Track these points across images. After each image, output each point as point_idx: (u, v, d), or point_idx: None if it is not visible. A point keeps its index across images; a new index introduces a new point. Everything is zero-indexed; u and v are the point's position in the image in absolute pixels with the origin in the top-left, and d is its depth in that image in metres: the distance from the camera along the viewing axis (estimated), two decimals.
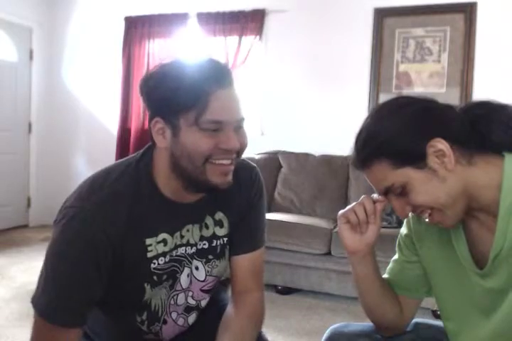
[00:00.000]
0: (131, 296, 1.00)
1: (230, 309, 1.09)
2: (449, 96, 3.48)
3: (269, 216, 3.14)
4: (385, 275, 1.08)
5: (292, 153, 3.66)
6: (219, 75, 0.89)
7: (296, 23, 3.87)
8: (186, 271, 1.04)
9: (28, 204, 4.66)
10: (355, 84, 3.74)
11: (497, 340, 0.86)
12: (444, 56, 3.50)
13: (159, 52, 4.23)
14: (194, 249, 1.04)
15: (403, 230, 1.05)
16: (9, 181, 4.43)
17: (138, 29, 4.26)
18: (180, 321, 1.09)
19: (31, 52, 4.57)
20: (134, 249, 0.94)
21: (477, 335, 0.89)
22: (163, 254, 0.98)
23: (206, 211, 1.04)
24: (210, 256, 1.06)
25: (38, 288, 0.93)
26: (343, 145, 3.64)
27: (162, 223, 0.97)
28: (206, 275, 1.07)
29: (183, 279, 1.04)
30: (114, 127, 4.40)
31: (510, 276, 0.82)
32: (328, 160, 3.52)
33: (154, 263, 0.98)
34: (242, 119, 0.93)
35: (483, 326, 0.88)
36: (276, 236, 2.90)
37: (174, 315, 1.08)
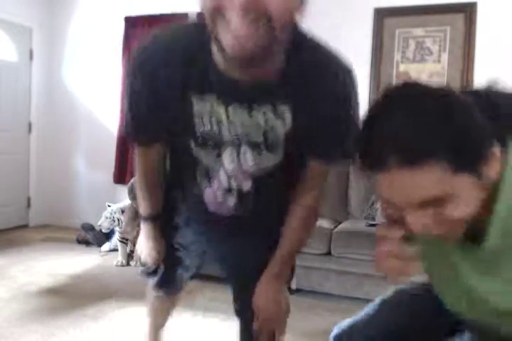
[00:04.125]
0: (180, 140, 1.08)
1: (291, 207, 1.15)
2: None
3: None
4: None
5: None
6: None
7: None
8: (229, 150, 1.03)
9: (28, 204, 4.66)
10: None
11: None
12: (444, 56, 3.50)
13: None
14: (241, 133, 1.00)
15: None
16: (9, 181, 4.43)
17: (138, 29, 4.27)
18: (221, 195, 1.12)
19: (31, 52, 4.57)
20: (183, 98, 0.99)
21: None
22: (205, 114, 1.00)
23: (263, 98, 0.96)
24: (263, 148, 1.02)
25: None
26: None
27: (210, 86, 0.96)
28: (253, 164, 1.05)
29: (227, 160, 1.05)
30: (114, 127, 4.40)
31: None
32: None
33: (196, 121, 1.01)
34: None
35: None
36: None
37: (222, 175, 1.09)
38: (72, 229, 4.27)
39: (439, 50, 3.50)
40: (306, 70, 0.95)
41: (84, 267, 3.33)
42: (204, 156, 1.08)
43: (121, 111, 4.32)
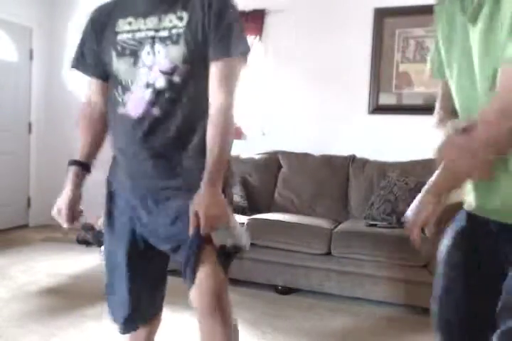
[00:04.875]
0: (107, 65, 1.40)
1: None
2: None
3: (269, 216, 3.14)
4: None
5: (292, 153, 3.66)
6: None
7: (296, 23, 3.87)
8: (147, 49, 1.33)
9: (28, 204, 4.66)
10: (355, 84, 3.74)
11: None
12: None
13: None
14: (153, 33, 1.33)
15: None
16: (9, 181, 4.43)
17: None
18: (140, 92, 1.35)
19: (31, 52, 4.57)
20: (111, 26, 1.38)
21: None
22: (127, 32, 1.35)
23: (169, 9, 1.32)
24: (168, 42, 1.31)
25: None
26: (343, 145, 3.66)
27: (132, 10, 1.37)
28: (165, 58, 1.31)
29: (145, 56, 1.33)
30: None
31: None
32: (328, 160, 3.52)
33: (119, 36, 1.36)
34: None
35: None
36: (277, 236, 2.90)
37: (142, 72, 1.35)
38: (72, 229, 4.27)
39: None
40: None
41: (84, 267, 3.33)
42: (122, 67, 1.35)
43: None
